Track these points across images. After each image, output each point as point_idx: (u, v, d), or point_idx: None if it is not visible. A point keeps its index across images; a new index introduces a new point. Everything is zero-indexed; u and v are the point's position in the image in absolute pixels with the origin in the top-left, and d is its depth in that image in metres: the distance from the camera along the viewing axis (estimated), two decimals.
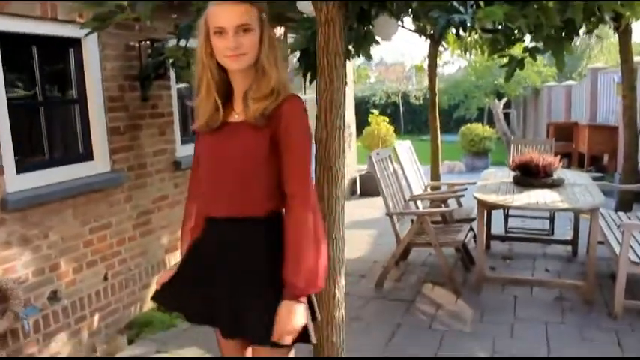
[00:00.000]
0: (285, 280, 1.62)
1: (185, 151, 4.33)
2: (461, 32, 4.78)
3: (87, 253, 3.49)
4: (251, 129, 1.66)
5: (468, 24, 3.87)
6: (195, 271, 1.81)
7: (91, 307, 3.52)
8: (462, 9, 3.44)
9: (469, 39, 5.63)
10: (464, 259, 4.82)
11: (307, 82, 3.61)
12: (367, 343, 3.47)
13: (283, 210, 1.72)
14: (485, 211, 4.96)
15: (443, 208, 4.85)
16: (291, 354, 1.79)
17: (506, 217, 5.58)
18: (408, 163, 5.28)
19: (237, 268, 1.71)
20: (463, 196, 5.14)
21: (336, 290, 2.67)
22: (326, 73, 2.52)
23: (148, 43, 3.79)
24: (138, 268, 3.94)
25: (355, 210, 7.36)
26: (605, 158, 9.08)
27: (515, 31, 3.58)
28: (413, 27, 5.57)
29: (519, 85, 14.10)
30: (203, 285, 1.77)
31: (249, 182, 1.67)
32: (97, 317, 3.57)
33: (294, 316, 1.61)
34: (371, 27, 3.27)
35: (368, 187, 8.02)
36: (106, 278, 3.64)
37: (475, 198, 4.24)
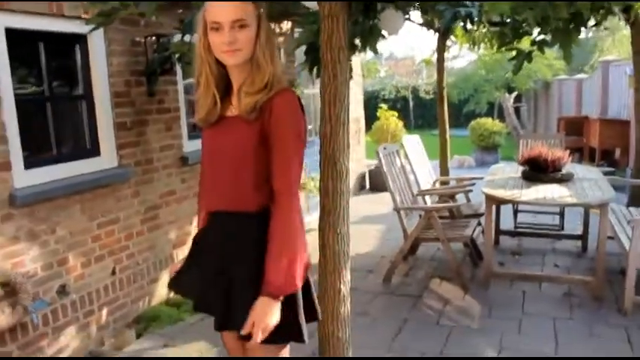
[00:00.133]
0: (264, 277, 1.62)
1: (192, 146, 4.34)
2: (468, 25, 4.76)
3: (95, 247, 3.51)
4: (244, 123, 1.67)
5: (475, 17, 3.85)
6: (197, 263, 1.85)
7: (99, 301, 3.55)
8: (468, 2, 3.42)
9: (477, 32, 5.58)
10: (472, 255, 4.80)
11: (314, 77, 3.59)
12: (373, 338, 3.46)
13: None
14: (494, 206, 4.93)
15: (451, 203, 4.82)
16: (286, 352, 1.79)
17: (515, 212, 5.54)
18: (416, 157, 5.25)
19: (229, 262, 1.72)
20: (471, 191, 5.10)
21: (342, 285, 2.67)
22: (329, 67, 2.51)
23: (153, 38, 3.79)
24: (146, 262, 3.97)
25: (364, 205, 7.36)
26: (617, 152, 8.98)
27: (523, 24, 3.56)
28: (421, 20, 5.54)
29: (530, 78, 13.98)
30: (202, 277, 1.79)
31: (241, 176, 1.68)
32: (105, 311, 3.60)
33: (268, 313, 1.61)
34: (377, 21, 3.25)
35: (377, 182, 8.00)
36: (114, 273, 3.66)
37: (483, 193, 4.22)
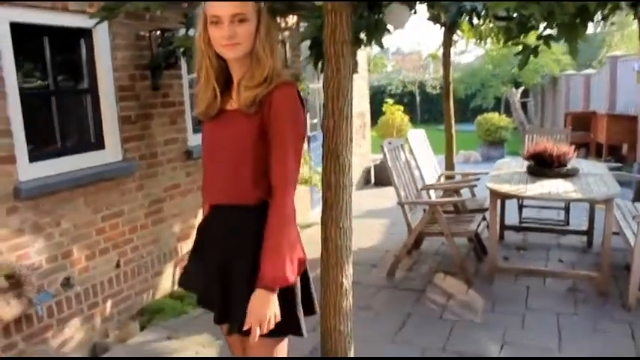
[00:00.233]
0: (259, 270, 1.63)
1: (197, 140, 4.34)
2: (475, 20, 4.73)
3: (99, 240, 3.53)
4: (243, 116, 1.67)
5: (481, 12, 3.83)
6: (200, 257, 1.86)
7: (103, 293, 3.57)
8: None
9: (484, 27, 5.55)
10: (476, 249, 4.79)
11: (319, 71, 3.59)
12: (376, 332, 3.47)
13: None
14: (499, 201, 4.92)
15: (455, 198, 4.81)
16: (284, 346, 1.79)
17: (520, 207, 5.52)
18: (420, 152, 5.23)
19: (230, 255, 1.73)
20: (476, 185, 5.09)
21: (344, 279, 2.67)
22: (333, 61, 2.50)
23: (158, 32, 3.79)
24: (150, 255, 3.98)
25: (369, 199, 7.36)
26: (625, 148, 8.92)
27: (530, 19, 3.53)
28: (427, 15, 5.50)
29: (537, 74, 13.90)
30: (205, 271, 1.81)
31: (241, 169, 1.68)
32: (109, 304, 3.62)
33: (265, 306, 1.61)
34: (383, 15, 3.23)
35: (382, 177, 8.00)
36: (118, 265, 3.69)
37: (488, 187, 4.21)
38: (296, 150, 1.67)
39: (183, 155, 4.26)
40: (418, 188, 4.86)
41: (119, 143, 3.71)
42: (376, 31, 3.38)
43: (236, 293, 1.69)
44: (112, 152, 3.67)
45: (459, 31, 6.16)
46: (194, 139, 4.36)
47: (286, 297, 1.68)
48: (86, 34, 3.49)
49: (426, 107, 21.18)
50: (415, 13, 4.18)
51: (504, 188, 4.14)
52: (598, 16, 3.35)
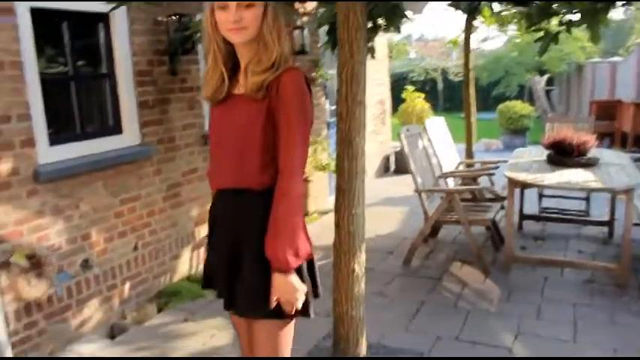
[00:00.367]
0: (269, 255, 1.64)
1: None
2: (496, 5, 4.66)
3: (117, 223, 3.59)
4: (250, 101, 1.68)
5: None
6: (211, 241, 1.89)
7: (121, 275, 3.64)
8: None
9: (505, 13, 5.45)
10: (494, 238, 4.75)
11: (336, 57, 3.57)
12: (389, 318, 3.47)
13: None
14: (519, 191, 4.86)
15: (473, 186, 4.77)
16: (291, 327, 1.81)
17: (540, 196, 5.45)
18: (439, 139, 5.19)
19: (234, 240, 1.74)
20: (494, 174, 5.03)
21: (355, 265, 2.68)
22: (346, 46, 2.49)
23: (175, 17, 3.81)
24: (168, 239, 4.04)
25: (388, 187, 7.34)
26: None
27: (551, 4, 3.46)
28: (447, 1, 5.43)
29: (562, 61, 13.62)
30: (216, 256, 1.83)
31: (247, 154, 1.68)
32: (127, 286, 3.69)
33: (288, 285, 1.64)
34: (400, 0, 3.20)
35: (402, 164, 7.94)
36: (136, 248, 3.75)
37: (505, 176, 4.16)
38: (303, 135, 1.68)
39: (201, 140, 4.29)
40: (436, 176, 4.83)
41: (137, 128, 3.75)
42: (394, 17, 3.35)
43: (245, 271, 1.71)
44: (129, 136, 3.71)
45: (480, 17, 6.06)
46: None
47: None
48: (104, 19, 3.53)
49: (449, 95, 20.90)
50: None
51: (522, 177, 4.09)
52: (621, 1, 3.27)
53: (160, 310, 3.74)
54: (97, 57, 3.60)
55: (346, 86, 2.54)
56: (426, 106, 9.12)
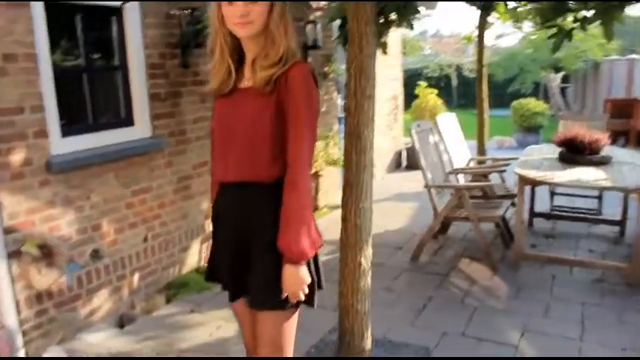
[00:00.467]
0: (280, 247, 1.67)
1: None
2: (510, 2, 4.62)
3: (128, 215, 3.63)
4: (258, 95, 1.69)
5: None
6: (216, 235, 1.90)
7: (131, 266, 3.68)
8: None
9: (520, 9, 5.41)
10: (503, 236, 4.73)
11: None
12: (396, 313, 3.48)
13: None
14: (530, 188, 4.83)
15: (483, 183, 4.74)
16: (294, 318, 1.82)
17: (552, 194, 5.41)
18: (450, 136, 5.17)
19: (242, 233, 1.76)
20: (504, 170, 5.00)
21: (362, 259, 2.69)
22: (356, 41, 2.49)
23: (188, 11, 3.82)
24: (178, 231, 4.07)
25: (400, 182, 7.34)
26: None
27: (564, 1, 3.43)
28: None
29: (578, 59, 13.46)
30: (221, 249, 1.85)
31: (255, 147, 1.70)
32: (137, 276, 3.73)
33: (298, 277, 1.67)
34: None
35: (414, 160, 7.92)
36: (146, 240, 3.78)
37: (515, 173, 4.14)
38: (311, 128, 1.69)
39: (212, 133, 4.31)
40: (446, 172, 4.82)
41: (149, 120, 3.78)
42: (406, 12, 3.34)
43: (257, 263, 1.73)
44: (141, 129, 3.75)
45: (494, 13, 6.02)
46: None
47: None
48: (117, 12, 3.55)
49: (463, 91, 20.75)
50: None
51: (532, 174, 4.07)
52: None
53: (168, 301, 3.78)
54: (110, 49, 3.63)
55: (355, 80, 2.55)
56: (439, 102, 9.07)
